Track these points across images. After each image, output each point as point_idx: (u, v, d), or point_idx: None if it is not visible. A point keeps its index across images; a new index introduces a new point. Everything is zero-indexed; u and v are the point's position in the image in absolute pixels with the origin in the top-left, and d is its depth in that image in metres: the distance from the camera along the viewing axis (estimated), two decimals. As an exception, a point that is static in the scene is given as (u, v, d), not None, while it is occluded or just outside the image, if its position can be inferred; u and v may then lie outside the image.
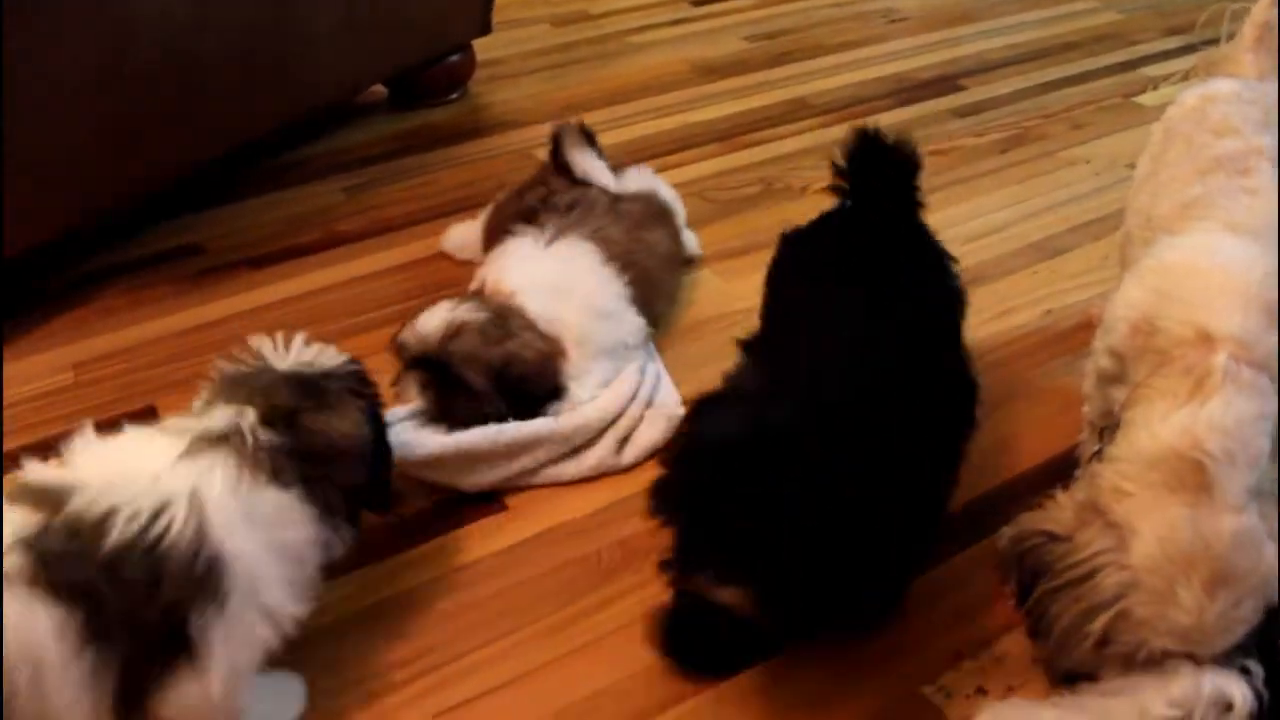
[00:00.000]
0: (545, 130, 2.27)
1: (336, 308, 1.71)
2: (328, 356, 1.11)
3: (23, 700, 0.85)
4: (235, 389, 1.05)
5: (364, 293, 1.75)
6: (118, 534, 0.89)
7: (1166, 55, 2.67)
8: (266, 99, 1.95)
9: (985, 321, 1.65)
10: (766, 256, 1.78)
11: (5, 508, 0.89)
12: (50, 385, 1.56)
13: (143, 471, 0.95)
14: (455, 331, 1.35)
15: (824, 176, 2.02)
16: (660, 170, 2.09)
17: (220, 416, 1.02)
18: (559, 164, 1.73)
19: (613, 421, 1.41)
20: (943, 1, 3.09)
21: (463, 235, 1.81)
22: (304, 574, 1.03)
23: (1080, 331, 1.58)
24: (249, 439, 1.00)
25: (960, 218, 1.95)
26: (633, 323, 1.53)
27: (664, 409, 1.43)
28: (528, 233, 1.56)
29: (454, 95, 2.47)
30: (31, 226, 1.63)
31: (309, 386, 1.06)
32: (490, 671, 1.13)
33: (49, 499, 0.91)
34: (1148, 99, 2.41)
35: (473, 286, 1.51)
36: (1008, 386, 1.51)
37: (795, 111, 2.38)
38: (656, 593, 1.20)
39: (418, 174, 2.13)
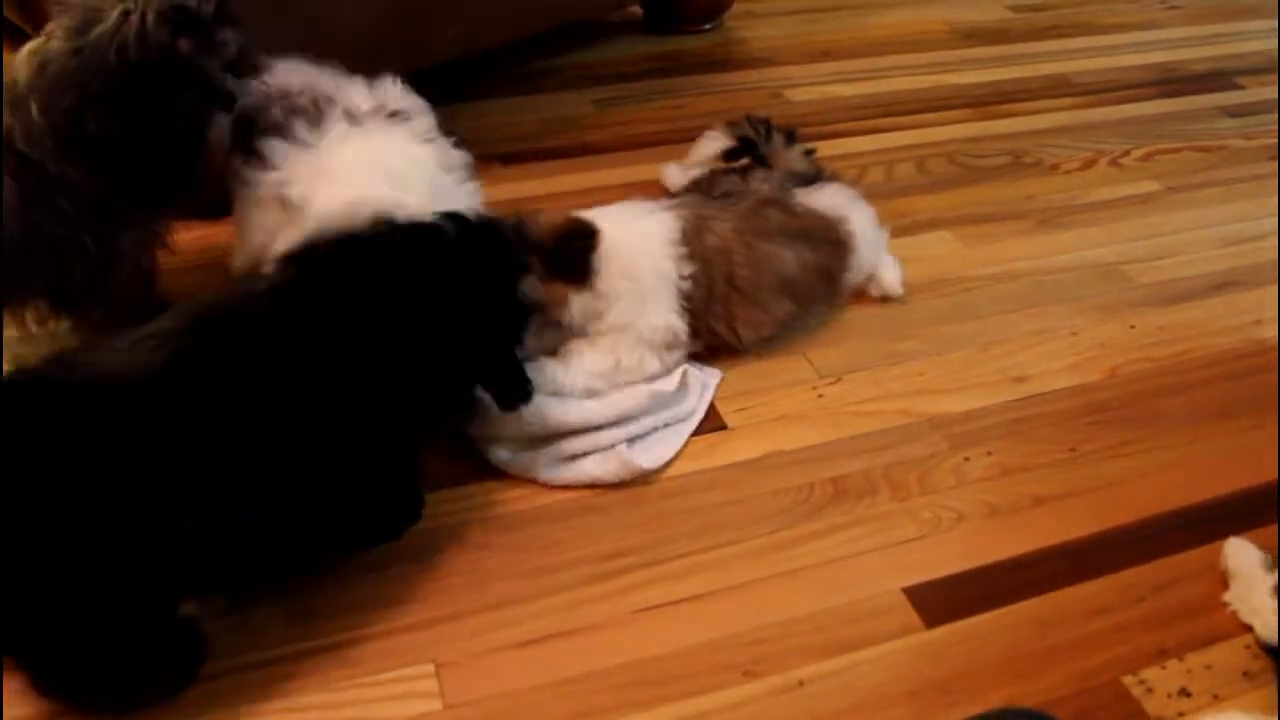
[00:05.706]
0: (796, 71, 2.31)
1: (578, 214, 1.74)
2: None
3: None
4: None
5: (603, 201, 1.77)
6: None
7: None
8: (534, -1, 2.00)
9: (1232, 328, 1.59)
10: (1010, 228, 1.80)
11: None
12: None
13: None
14: None
15: (1077, 156, 2.05)
16: (910, 128, 2.09)
17: None
18: (757, 154, 1.65)
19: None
20: (1227, -7, 2.93)
21: (676, 174, 1.79)
22: None
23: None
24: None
25: (1214, 219, 1.87)
26: (659, 320, 1.36)
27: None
28: (660, 200, 1.51)
29: (708, 25, 2.47)
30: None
31: None
32: (692, 580, 1.16)
33: None
34: None
35: None
36: (1247, 398, 1.46)
37: (1055, 88, 2.30)
38: (862, 534, 1.22)
39: (668, 96, 2.15)
